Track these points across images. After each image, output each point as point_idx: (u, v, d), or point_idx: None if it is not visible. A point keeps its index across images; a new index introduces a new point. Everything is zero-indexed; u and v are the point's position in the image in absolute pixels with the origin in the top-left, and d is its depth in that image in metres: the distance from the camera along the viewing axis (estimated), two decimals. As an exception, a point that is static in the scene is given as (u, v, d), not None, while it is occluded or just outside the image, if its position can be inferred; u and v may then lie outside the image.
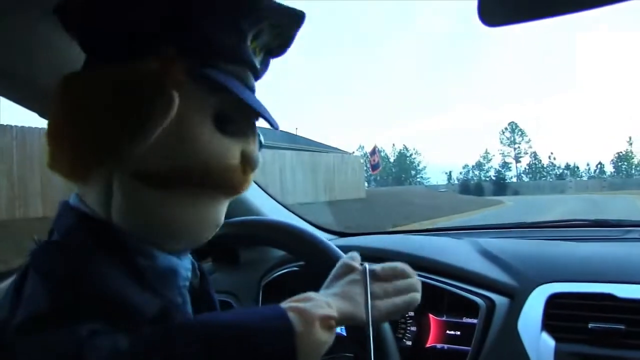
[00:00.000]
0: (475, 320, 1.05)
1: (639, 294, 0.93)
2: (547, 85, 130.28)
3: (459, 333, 1.10)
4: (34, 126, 7.91)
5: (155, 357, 0.51)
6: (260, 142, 0.70)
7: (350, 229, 1.69)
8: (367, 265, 0.69)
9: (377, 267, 0.69)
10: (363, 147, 74.46)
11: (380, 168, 54.56)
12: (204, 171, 0.60)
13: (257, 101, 0.65)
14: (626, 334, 0.89)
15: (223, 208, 0.68)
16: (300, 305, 0.58)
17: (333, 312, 0.59)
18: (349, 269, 0.70)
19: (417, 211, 15.19)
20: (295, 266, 1.24)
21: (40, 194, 7.83)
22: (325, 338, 0.57)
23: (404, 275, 0.71)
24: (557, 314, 0.96)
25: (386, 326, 0.79)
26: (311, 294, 0.62)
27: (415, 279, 0.71)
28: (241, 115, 0.65)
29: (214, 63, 0.62)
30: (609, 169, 75.04)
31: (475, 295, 1.07)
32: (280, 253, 1.30)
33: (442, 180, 76.68)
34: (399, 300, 0.68)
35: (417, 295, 0.70)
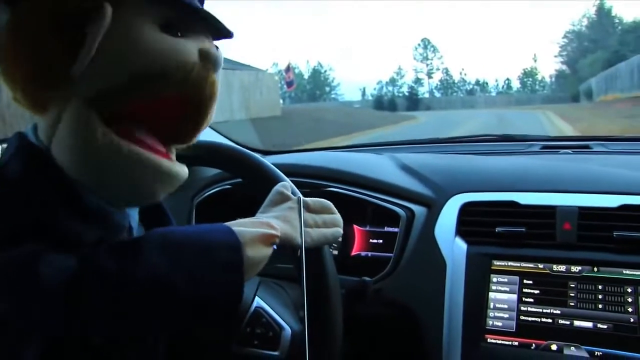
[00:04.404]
0: (396, 229, 1.14)
1: (536, 200, 1.05)
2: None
3: (381, 241, 1.20)
4: None
5: (117, 267, 0.53)
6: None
7: (276, 148, 1.72)
8: (300, 195, 0.77)
9: (309, 200, 0.77)
10: (277, 64, 73.17)
11: (295, 85, 54.01)
12: (161, 71, 0.60)
13: (203, 9, 0.64)
14: (526, 235, 1.01)
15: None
16: (246, 220, 0.67)
17: (276, 232, 0.66)
18: (284, 197, 0.76)
19: (333, 127, 15.32)
20: (227, 184, 1.28)
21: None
22: (267, 253, 0.65)
23: (330, 210, 0.79)
24: (469, 220, 1.07)
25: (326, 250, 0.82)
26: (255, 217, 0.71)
27: (338, 215, 0.80)
28: (192, 24, 0.64)
29: None
30: (516, 84, 77.87)
31: (396, 206, 1.16)
32: (211, 172, 1.32)
33: (356, 96, 77.05)
34: (327, 231, 0.76)
35: (340, 230, 0.79)
